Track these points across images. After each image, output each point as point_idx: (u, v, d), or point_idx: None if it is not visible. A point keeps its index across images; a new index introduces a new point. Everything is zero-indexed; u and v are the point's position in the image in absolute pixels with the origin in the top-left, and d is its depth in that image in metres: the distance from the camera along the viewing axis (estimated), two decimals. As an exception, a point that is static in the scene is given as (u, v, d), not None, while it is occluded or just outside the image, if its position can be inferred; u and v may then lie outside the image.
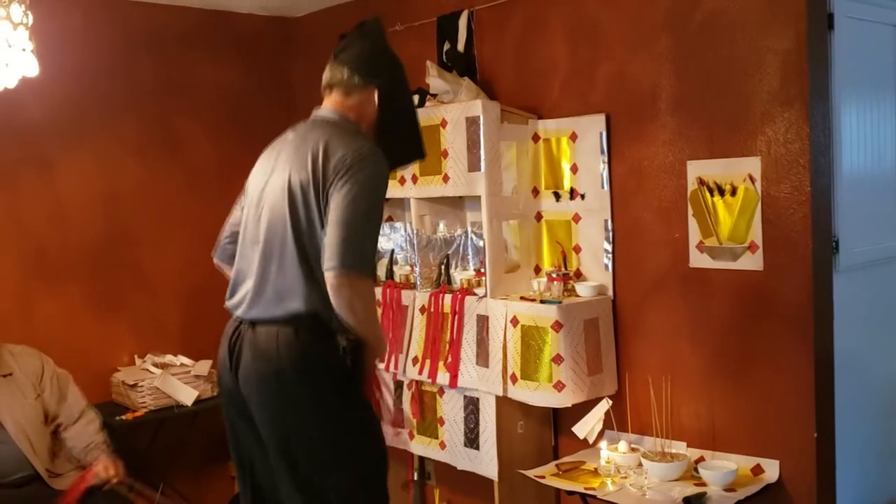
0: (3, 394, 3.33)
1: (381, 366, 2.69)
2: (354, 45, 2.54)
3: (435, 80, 3.58)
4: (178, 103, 4.39)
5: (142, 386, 3.92)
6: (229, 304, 2.51)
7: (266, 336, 2.35)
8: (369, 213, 2.32)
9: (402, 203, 3.85)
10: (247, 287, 2.44)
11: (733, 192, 2.95)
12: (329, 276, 2.25)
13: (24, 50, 2.13)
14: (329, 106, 2.52)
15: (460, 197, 3.62)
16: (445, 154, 3.42)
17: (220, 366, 2.50)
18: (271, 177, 2.45)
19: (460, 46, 3.76)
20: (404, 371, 3.60)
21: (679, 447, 3.08)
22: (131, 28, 4.20)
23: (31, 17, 2.11)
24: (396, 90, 2.57)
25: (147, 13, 4.24)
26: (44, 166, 3.97)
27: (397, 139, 2.58)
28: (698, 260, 3.07)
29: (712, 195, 3.00)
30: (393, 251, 3.84)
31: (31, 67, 2.16)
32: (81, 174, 4.08)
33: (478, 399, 3.38)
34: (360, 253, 2.28)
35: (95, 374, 4.04)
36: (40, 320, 3.92)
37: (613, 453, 3.09)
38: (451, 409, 3.49)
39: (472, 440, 3.41)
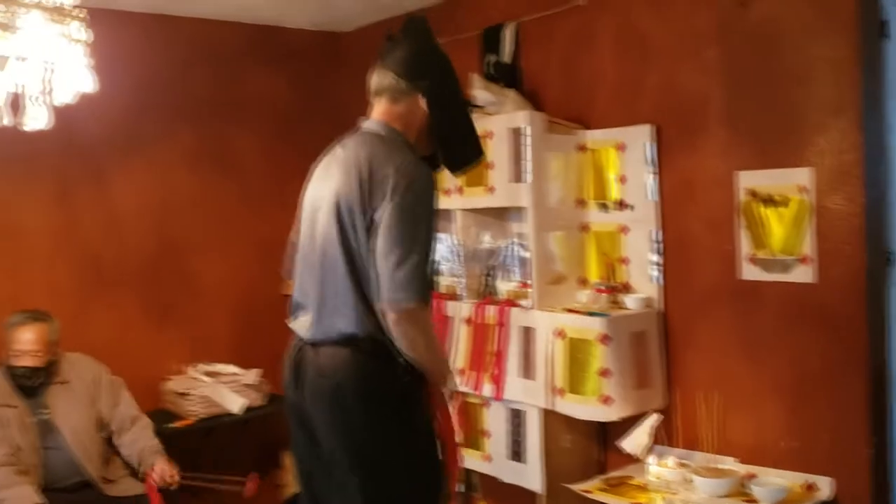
0: (60, 401, 3.41)
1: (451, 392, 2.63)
2: (399, 48, 2.46)
3: (480, 92, 3.59)
4: (231, 117, 4.47)
5: (192, 394, 3.98)
6: (292, 325, 2.51)
7: (326, 356, 2.36)
8: (417, 235, 2.25)
9: (447, 214, 3.85)
10: (308, 309, 2.44)
11: (785, 203, 2.90)
12: (385, 310, 2.25)
13: (82, 66, 2.18)
14: (376, 116, 2.47)
15: (505, 208, 3.62)
16: (490, 165, 3.42)
17: (284, 382, 2.50)
18: (323, 194, 2.42)
19: (506, 58, 3.77)
20: (450, 382, 3.60)
21: (729, 463, 3.03)
22: (185, 43, 4.30)
23: (89, 33, 2.17)
24: (446, 90, 2.47)
25: (201, 28, 4.33)
26: (101, 179, 4.08)
27: (455, 141, 2.50)
28: (749, 272, 3.02)
29: (764, 206, 2.96)
30: (438, 262, 3.85)
31: (88, 83, 2.21)
32: (136, 186, 4.18)
33: (523, 412, 3.36)
34: (413, 280, 2.22)
35: (147, 382, 4.12)
36: (95, 329, 4.01)
37: (662, 468, 3.05)
38: (495, 421, 3.48)
39: (517, 453, 3.39)
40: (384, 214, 2.23)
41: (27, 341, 3.33)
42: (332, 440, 2.38)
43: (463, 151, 2.54)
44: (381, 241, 2.24)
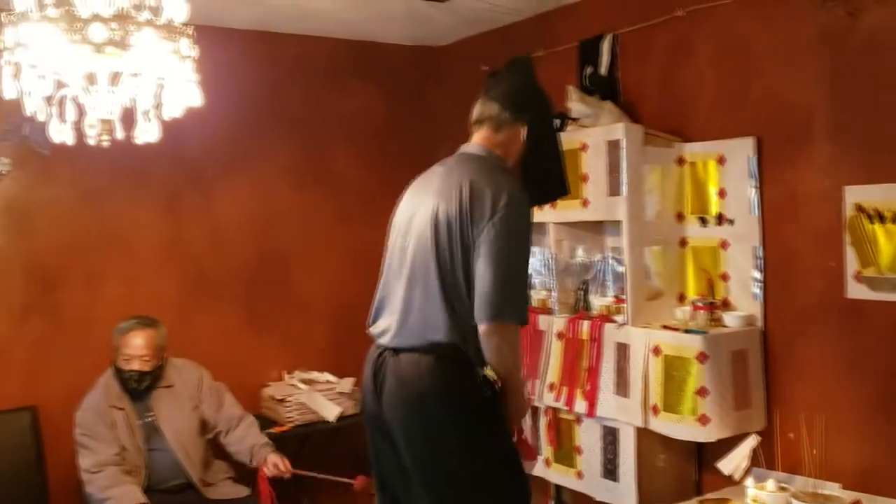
0: (164, 404, 3.53)
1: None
2: (504, 82, 2.59)
3: (576, 104, 3.56)
4: (328, 131, 4.56)
5: (289, 401, 4.07)
6: (373, 330, 2.56)
7: (409, 363, 2.39)
8: (518, 257, 2.35)
9: (540, 227, 3.83)
10: (391, 316, 2.48)
11: (894, 219, 2.77)
12: (481, 329, 2.31)
13: (189, 81, 2.26)
14: (477, 141, 2.56)
15: (600, 222, 3.57)
16: (585, 178, 3.39)
17: (364, 390, 2.56)
18: (419, 208, 2.49)
19: (602, 70, 3.74)
20: (541, 397, 3.57)
21: (833, 489, 2.90)
22: (285, 59, 4.41)
23: (196, 50, 2.25)
24: (544, 127, 2.60)
25: (300, 44, 4.44)
26: (205, 191, 4.22)
27: (543, 175, 2.61)
28: (856, 291, 2.90)
29: (872, 222, 2.84)
30: (530, 276, 3.83)
31: (196, 98, 2.29)
32: (238, 199, 4.31)
33: (617, 429, 3.31)
34: (511, 301, 2.31)
35: (247, 387, 4.22)
36: (198, 335, 4.13)
37: (761, 492, 2.94)
38: (588, 438, 3.43)
39: (610, 471, 3.34)
40: (486, 232, 2.31)
41: (137, 346, 3.46)
42: (412, 448, 2.39)
43: (549, 186, 2.67)
44: (484, 264, 2.31)
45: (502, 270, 2.29)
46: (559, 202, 3.50)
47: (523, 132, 2.54)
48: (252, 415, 3.86)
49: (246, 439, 3.63)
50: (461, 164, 2.49)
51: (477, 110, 2.59)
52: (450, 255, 2.37)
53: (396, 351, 2.44)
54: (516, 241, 2.35)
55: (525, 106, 2.55)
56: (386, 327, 2.49)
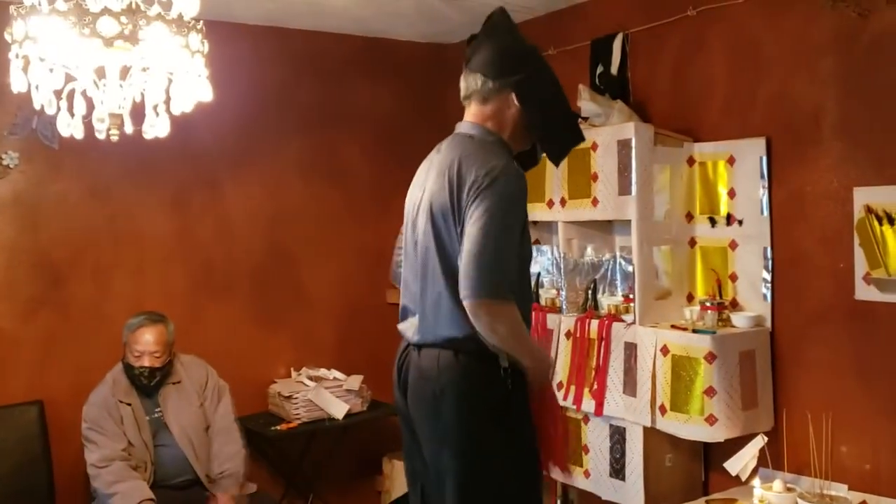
0: (172, 400, 3.54)
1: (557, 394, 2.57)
2: (483, 48, 2.43)
3: (587, 103, 3.55)
4: (339, 127, 4.56)
5: (296, 398, 4.07)
6: (400, 327, 2.53)
7: (428, 358, 2.37)
8: (502, 236, 2.22)
9: (549, 226, 3.83)
10: (413, 311, 2.46)
11: (904, 220, 2.76)
12: (467, 306, 2.23)
13: (199, 76, 2.26)
14: (468, 119, 2.46)
15: (609, 221, 3.56)
16: (595, 177, 3.38)
17: (393, 385, 2.54)
18: (421, 199, 2.44)
19: (614, 69, 3.72)
20: (549, 396, 3.56)
21: (840, 489, 2.89)
22: (295, 55, 4.41)
23: (206, 45, 2.25)
24: (536, 82, 2.41)
25: (310, 40, 4.44)
26: (213, 186, 4.22)
27: (552, 131, 2.46)
28: (865, 292, 2.88)
29: (881, 224, 2.82)
30: (539, 274, 3.82)
31: (206, 93, 2.29)
32: (247, 194, 4.31)
33: (624, 429, 3.30)
34: (494, 279, 2.20)
35: (254, 384, 4.24)
36: (206, 331, 4.14)
37: (768, 492, 2.93)
38: (596, 437, 3.42)
39: (617, 471, 3.33)
40: (472, 217, 2.23)
41: (147, 343, 3.46)
42: (430, 442, 2.39)
43: (561, 139, 2.50)
44: (466, 243, 2.23)
45: (482, 246, 2.19)
46: (569, 201, 3.50)
47: (514, 97, 2.38)
48: (253, 417, 3.84)
49: (218, 458, 3.55)
50: (451, 147, 2.41)
51: (462, 85, 2.46)
52: (450, 246, 2.31)
53: (418, 347, 2.42)
54: (498, 222, 2.22)
55: (509, 69, 2.37)
56: (409, 324, 2.47)
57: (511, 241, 2.27)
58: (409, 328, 2.47)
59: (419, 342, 2.41)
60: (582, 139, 2.55)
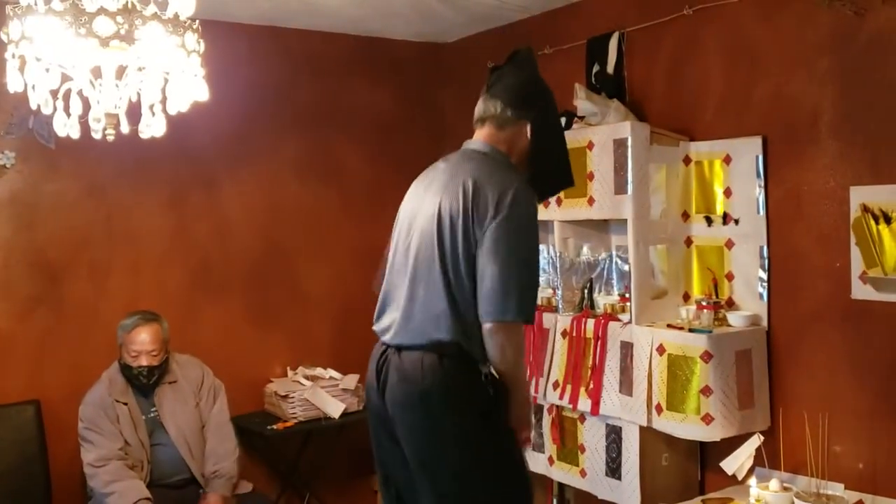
0: (168, 400, 3.53)
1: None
2: (506, 78, 2.54)
3: (583, 102, 3.56)
4: (335, 127, 4.55)
5: (293, 397, 4.06)
6: (376, 327, 2.55)
7: (411, 361, 2.38)
8: (524, 254, 2.32)
9: (545, 225, 3.83)
10: (394, 313, 2.47)
11: (901, 219, 2.77)
12: (486, 326, 2.30)
13: (195, 76, 2.26)
14: (481, 138, 2.53)
15: (605, 220, 3.57)
16: (591, 176, 3.39)
17: (367, 387, 2.55)
18: (422, 205, 2.47)
19: (609, 68, 3.73)
20: (545, 395, 3.57)
21: (836, 489, 2.90)
22: (292, 54, 4.41)
23: (202, 44, 2.24)
24: (548, 122, 2.55)
25: (307, 40, 4.43)
26: (210, 186, 4.22)
27: (549, 169, 2.57)
28: (861, 291, 2.89)
29: (877, 223, 2.83)
30: (540, 272, 3.82)
31: (201, 93, 2.28)
32: (243, 194, 4.31)
33: (620, 428, 3.30)
34: (517, 299, 2.28)
35: (250, 383, 4.23)
36: (202, 330, 4.14)
37: (764, 491, 2.94)
38: (592, 436, 3.43)
39: (613, 470, 3.33)
40: (491, 230, 2.29)
41: (143, 342, 3.45)
42: (414, 445, 2.39)
43: (555, 179, 2.63)
44: (488, 261, 2.29)
45: (508, 268, 2.27)
46: (565, 200, 3.51)
47: (528, 130, 2.50)
48: (249, 416, 3.84)
49: (211, 457, 3.55)
50: (465, 162, 2.46)
51: (480, 107, 2.55)
52: (453, 253, 2.35)
53: (399, 349, 2.43)
54: (525, 238, 2.33)
55: (528, 103, 2.50)
56: (389, 324, 2.48)
57: (534, 258, 2.37)
58: (387, 329, 2.48)
59: (400, 344, 2.42)
60: (571, 184, 2.69)
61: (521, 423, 2.50)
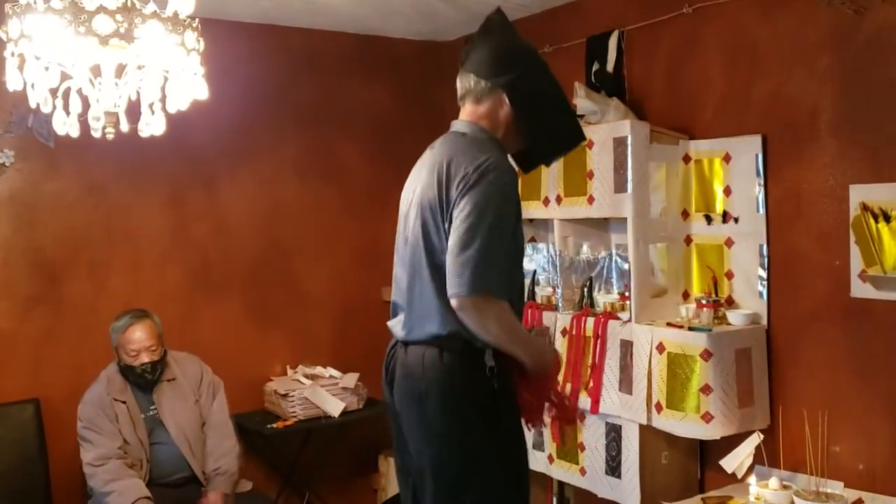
0: (167, 398, 3.53)
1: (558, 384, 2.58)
2: (477, 49, 2.43)
3: (582, 100, 3.55)
4: (335, 125, 4.55)
5: (292, 396, 4.06)
6: (389, 324, 2.52)
7: (414, 356, 2.37)
8: (490, 232, 2.19)
9: (545, 224, 3.84)
10: (401, 309, 2.46)
11: (901, 218, 2.77)
12: (453, 305, 2.21)
13: (195, 74, 2.26)
14: (462, 118, 2.46)
15: (605, 218, 3.57)
16: (591, 175, 3.39)
17: (382, 381, 2.54)
18: (413, 197, 2.44)
19: (609, 67, 3.73)
20: (545, 393, 3.57)
21: (835, 487, 2.90)
22: (291, 52, 4.41)
23: (202, 43, 2.24)
24: (531, 84, 2.40)
25: (306, 38, 4.43)
26: (209, 184, 4.22)
27: (547, 132, 2.45)
28: (860, 290, 2.89)
29: (877, 221, 2.83)
30: (535, 272, 3.82)
31: (201, 91, 2.28)
32: (243, 193, 4.30)
33: (620, 426, 3.30)
34: (481, 274, 2.16)
35: (250, 382, 4.24)
36: (202, 329, 4.14)
37: (764, 490, 2.94)
38: (592, 435, 3.43)
39: (613, 468, 3.34)
40: (460, 213, 2.21)
41: (141, 340, 3.45)
42: (414, 441, 2.40)
43: (555, 140, 2.50)
44: (452, 238, 2.21)
45: (469, 246, 2.17)
46: (565, 198, 3.50)
47: (505, 97, 2.37)
48: (249, 415, 3.84)
49: (212, 455, 3.55)
50: (443, 144, 2.41)
51: (458, 85, 2.46)
52: (438, 243, 2.29)
53: (405, 344, 2.42)
54: (486, 216, 2.19)
55: (501, 69, 2.37)
56: (398, 320, 2.47)
57: (500, 236, 2.22)
58: (397, 325, 2.47)
59: (405, 339, 2.41)
60: (582, 139, 2.54)
61: (545, 366, 2.39)
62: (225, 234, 4.26)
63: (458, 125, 2.47)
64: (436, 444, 2.34)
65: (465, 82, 2.44)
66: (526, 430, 2.47)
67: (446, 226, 2.27)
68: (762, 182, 3.17)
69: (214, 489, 3.46)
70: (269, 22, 4.27)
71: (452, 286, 2.19)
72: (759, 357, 3.15)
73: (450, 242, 2.22)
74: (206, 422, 3.61)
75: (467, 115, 2.45)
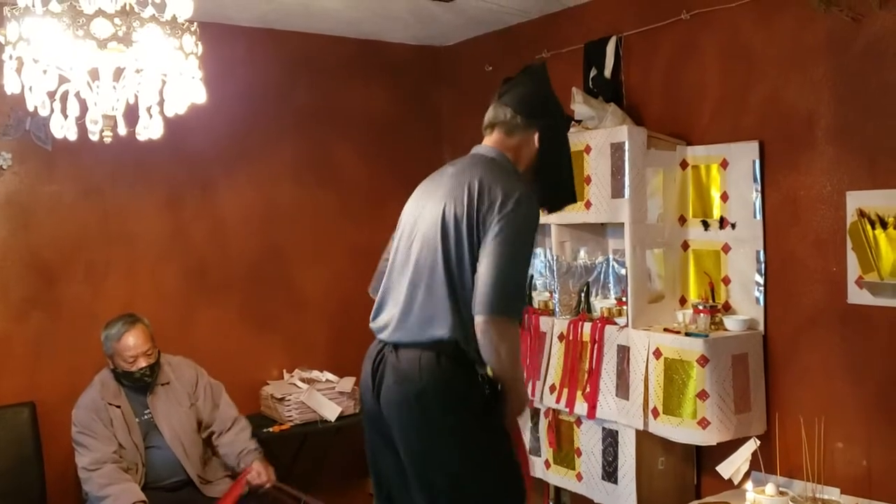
0: (161, 402, 3.52)
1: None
2: (518, 87, 2.58)
3: (580, 106, 3.56)
4: (333, 129, 4.55)
5: (289, 400, 4.06)
6: (373, 325, 2.56)
7: (408, 359, 2.39)
8: (518, 256, 2.35)
9: (542, 229, 3.83)
10: (392, 311, 2.48)
11: (897, 225, 2.77)
12: (478, 321, 2.30)
13: (193, 78, 2.26)
14: (489, 144, 2.57)
15: (602, 224, 3.57)
16: (588, 180, 3.39)
17: (362, 387, 2.55)
18: (426, 207, 2.50)
19: (607, 72, 3.73)
20: (541, 399, 3.57)
21: (832, 493, 2.90)
22: (289, 57, 4.41)
23: (200, 46, 2.24)
24: (556, 134, 2.60)
25: (305, 42, 4.43)
26: (207, 188, 4.21)
27: (553, 182, 2.61)
28: (857, 296, 2.89)
29: (874, 228, 2.83)
30: (532, 277, 3.83)
31: (199, 95, 2.28)
32: (240, 196, 4.30)
33: (617, 432, 3.30)
34: (509, 297, 2.30)
35: (246, 386, 4.22)
36: (199, 332, 4.13)
37: (760, 496, 2.94)
38: (588, 440, 3.43)
39: (610, 473, 3.33)
40: (494, 236, 2.32)
41: (137, 346, 3.43)
42: (408, 445, 2.40)
43: (557, 194, 2.66)
44: (486, 260, 2.31)
45: (503, 267, 2.29)
46: (562, 204, 3.51)
47: (536, 138, 2.54)
48: (245, 417, 3.85)
49: (235, 443, 3.60)
50: (473, 166, 2.49)
51: (490, 114, 2.59)
52: (457, 254, 2.37)
53: (396, 346, 2.43)
54: (522, 243, 2.36)
55: (538, 112, 2.55)
56: (386, 322, 2.49)
57: (526, 265, 2.42)
58: (385, 327, 2.49)
59: (398, 341, 2.43)
60: (574, 202, 2.72)
61: (513, 427, 2.52)
62: (222, 238, 4.26)
63: (484, 149, 2.58)
64: (433, 442, 2.35)
65: (499, 113, 2.57)
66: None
67: (471, 241, 2.36)
68: (759, 188, 3.18)
69: (251, 464, 3.51)
70: (267, 26, 4.28)
71: (482, 304, 2.30)
72: (755, 363, 3.15)
73: (483, 264, 2.32)
74: (209, 426, 3.62)
75: (494, 142, 2.57)
